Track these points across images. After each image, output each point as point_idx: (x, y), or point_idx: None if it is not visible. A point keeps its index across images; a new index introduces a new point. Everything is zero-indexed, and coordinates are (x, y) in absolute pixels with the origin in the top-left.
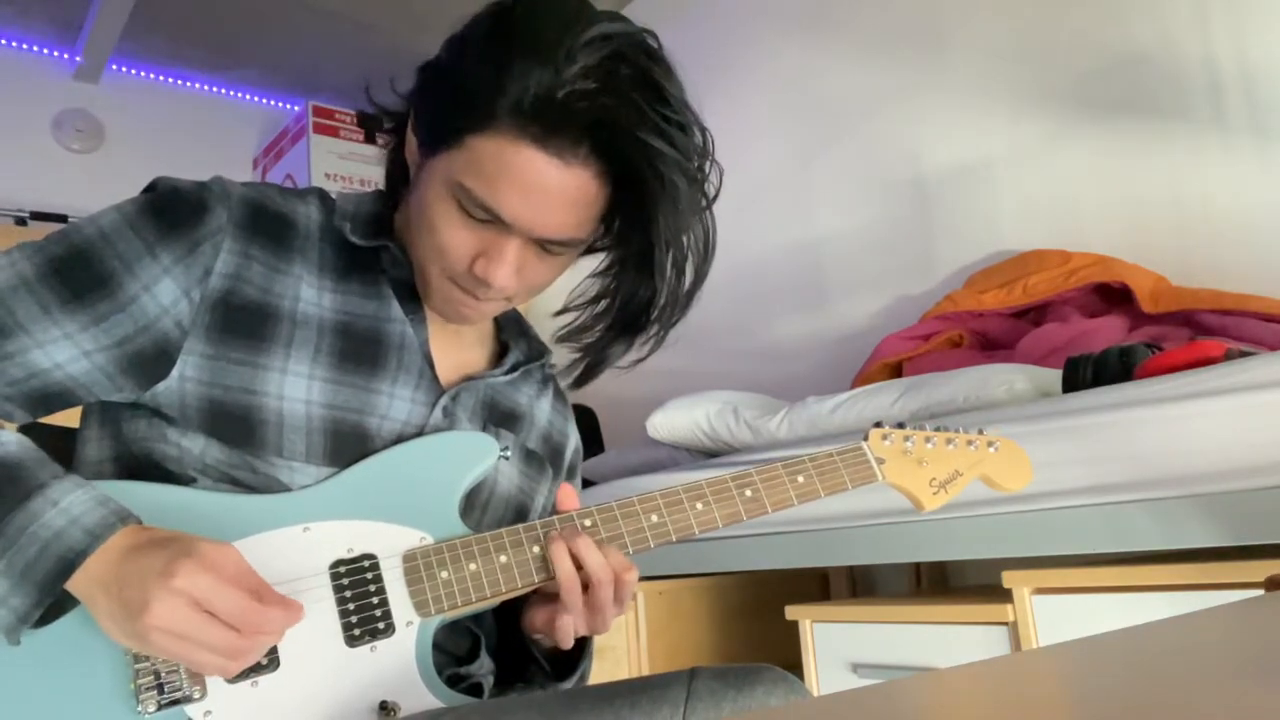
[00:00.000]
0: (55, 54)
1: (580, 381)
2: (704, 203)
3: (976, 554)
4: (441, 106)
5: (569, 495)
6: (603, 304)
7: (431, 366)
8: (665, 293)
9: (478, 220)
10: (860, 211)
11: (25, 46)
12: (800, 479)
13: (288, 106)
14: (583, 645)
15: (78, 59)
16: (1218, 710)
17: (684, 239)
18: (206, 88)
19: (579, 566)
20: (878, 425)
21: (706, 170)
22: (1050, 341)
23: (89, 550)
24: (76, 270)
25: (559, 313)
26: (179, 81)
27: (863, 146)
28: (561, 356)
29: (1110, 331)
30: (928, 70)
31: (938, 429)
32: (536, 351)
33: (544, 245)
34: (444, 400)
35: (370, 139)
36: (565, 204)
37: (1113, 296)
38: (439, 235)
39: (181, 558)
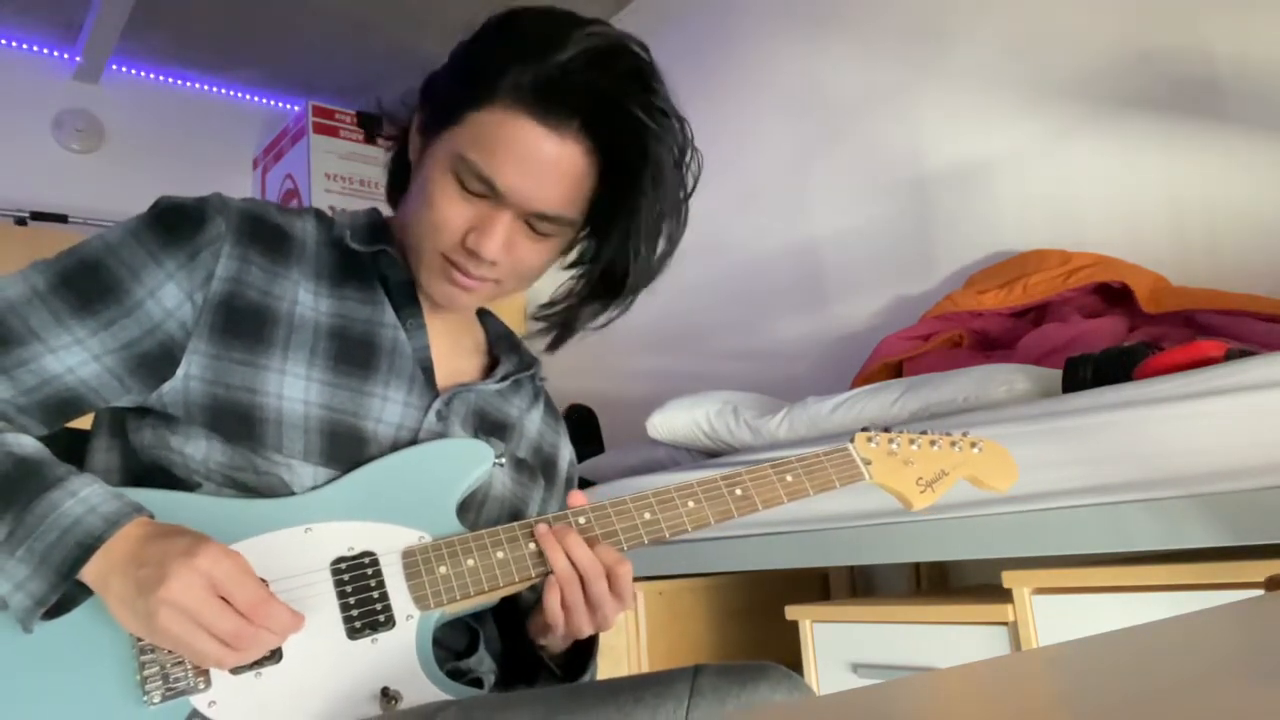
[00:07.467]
0: (55, 54)
1: (555, 344)
2: (687, 183)
3: (976, 554)
4: (447, 92)
5: (577, 497)
6: (578, 272)
7: (424, 371)
8: (643, 260)
9: (473, 194)
10: (860, 211)
11: (25, 46)
12: (789, 478)
13: (288, 106)
14: (590, 647)
15: (78, 59)
16: (1218, 710)
17: (665, 210)
18: (206, 88)
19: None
20: (864, 430)
21: (688, 158)
22: (1050, 341)
23: (106, 536)
24: (85, 280)
25: (546, 304)
26: (179, 81)
27: (863, 146)
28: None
29: (1110, 331)
30: (928, 70)
31: (922, 432)
32: (526, 364)
33: (532, 224)
34: (437, 404)
35: (370, 139)
36: (558, 176)
37: (1113, 296)
38: (435, 210)
39: (205, 542)
